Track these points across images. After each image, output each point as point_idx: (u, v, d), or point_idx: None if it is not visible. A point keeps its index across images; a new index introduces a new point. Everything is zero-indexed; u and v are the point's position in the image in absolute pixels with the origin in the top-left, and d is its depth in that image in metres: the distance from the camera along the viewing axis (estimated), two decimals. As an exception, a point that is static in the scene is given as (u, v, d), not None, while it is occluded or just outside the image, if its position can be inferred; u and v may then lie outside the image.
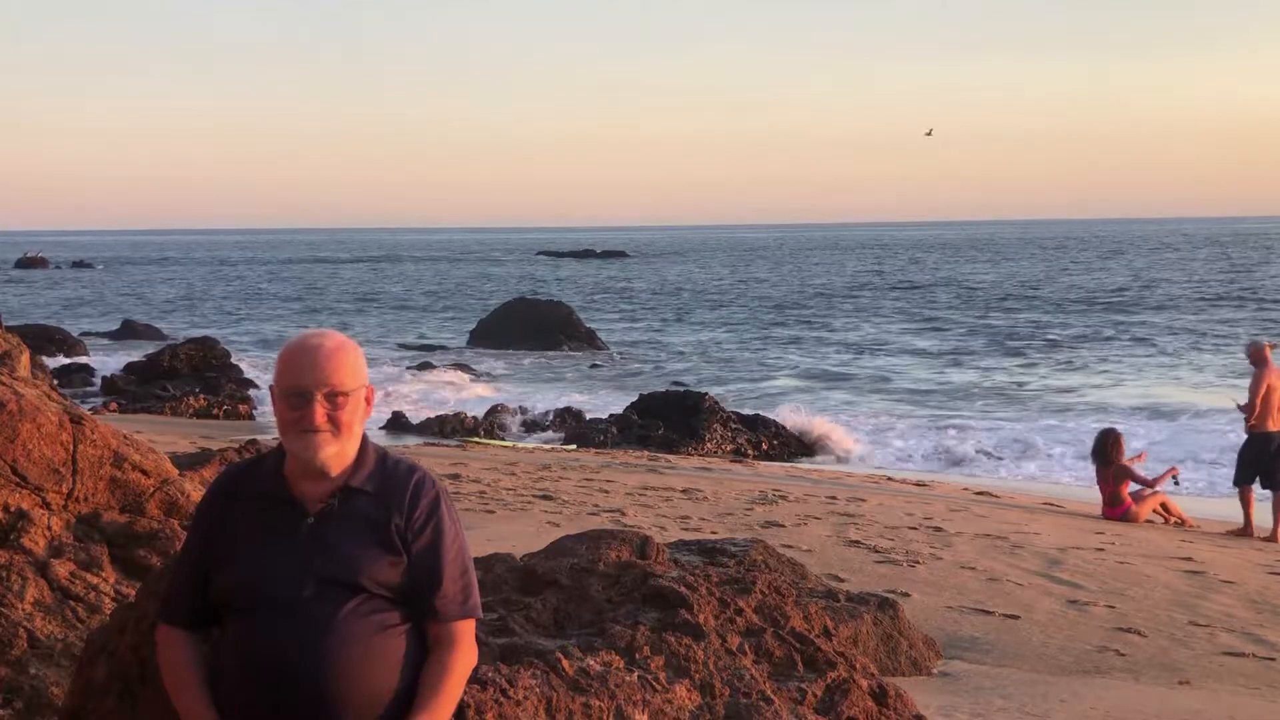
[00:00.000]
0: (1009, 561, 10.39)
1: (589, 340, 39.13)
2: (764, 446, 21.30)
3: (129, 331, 41.58)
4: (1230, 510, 14.78)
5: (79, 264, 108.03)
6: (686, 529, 10.82)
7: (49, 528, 5.09)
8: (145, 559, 5.10)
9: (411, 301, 64.25)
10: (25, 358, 8.43)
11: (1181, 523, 13.92)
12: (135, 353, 32.25)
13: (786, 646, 5.02)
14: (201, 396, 24.23)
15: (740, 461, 19.30)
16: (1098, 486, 14.39)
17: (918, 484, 16.55)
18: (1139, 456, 14.82)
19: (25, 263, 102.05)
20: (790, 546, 9.91)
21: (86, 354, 33.28)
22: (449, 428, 21.91)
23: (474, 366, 32.37)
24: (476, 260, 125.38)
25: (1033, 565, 10.32)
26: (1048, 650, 7.98)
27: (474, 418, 22.60)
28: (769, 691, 4.72)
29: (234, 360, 29.12)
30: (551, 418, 22.93)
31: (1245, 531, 13.50)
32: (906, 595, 8.75)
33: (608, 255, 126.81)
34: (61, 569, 4.97)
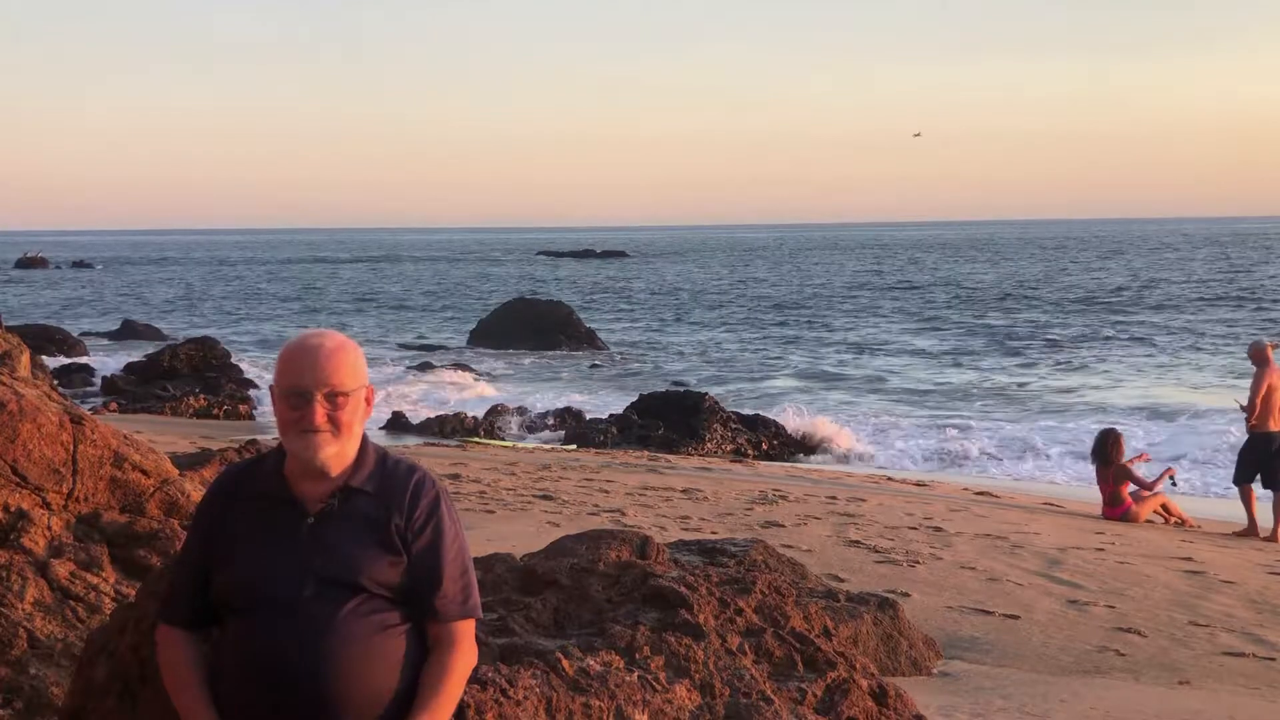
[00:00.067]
0: (1009, 561, 10.39)
1: (589, 340, 39.13)
2: (764, 446, 21.30)
3: (129, 331, 41.59)
4: (1229, 510, 14.78)
5: (79, 264, 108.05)
6: (686, 529, 10.82)
7: (49, 528, 5.09)
8: (145, 559, 5.09)
9: (411, 301, 64.27)
10: (25, 358, 8.43)
11: (1182, 523, 13.91)
12: (135, 353, 32.26)
13: (786, 646, 5.02)
14: (201, 396, 24.24)
15: (740, 461, 19.30)
16: (1098, 486, 14.38)
17: (918, 484, 16.55)
18: (1140, 457, 14.80)
19: (25, 263, 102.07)
20: (790, 546, 9.91)
21: (86, 354, 33.29)
22: (449, 428, 21.91)
23: (474, 366, 32.37)
24: (476, 260, 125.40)
25: (1033, 565, 10.32)
26: (1048, 650, 7.98)
27: (474, 418, 22.60)
28: (769, 691, 4.72)
29: (234, 360, 29.12)
30: (551, 418, 22.93)
31: (1250, 531, 13.48)
32: (906, 595, 8.75)
33: (607, 255, 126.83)
34: (61, 569, 4.97)
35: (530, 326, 38.99)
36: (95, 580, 5.00)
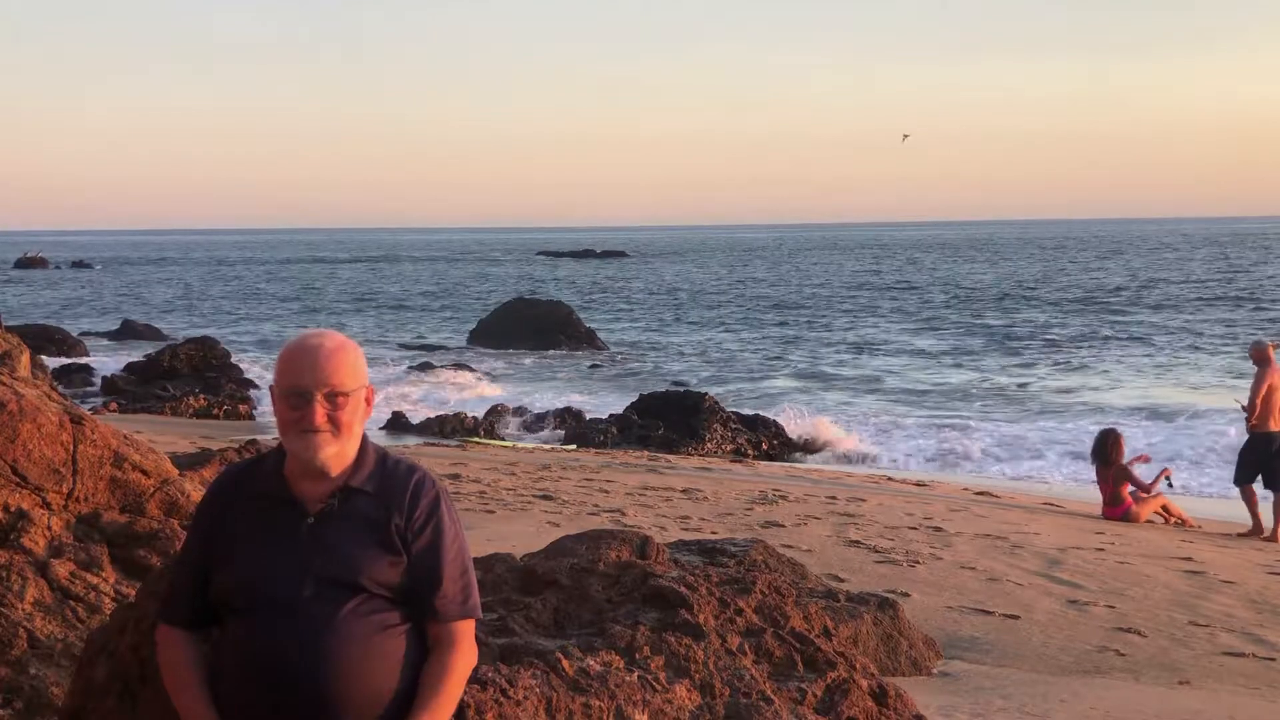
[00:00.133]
0: (1009, 561, 10.39)
1: (589, 340, 39.13)
2: (764, 446, 21.31)
3: (129, 331, 41.59)
4: (1229, 510, 14.77)
5: (78, 264, 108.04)
6: (686, 529, 10.82)
7: (49, 528, 5.09)
8: (145, 559, 5.09)
9: (411, 302, 64.27)
10: (25, 358, 8.43)
11: (1182, 523, 13.90)
12: (135, 353, 32.27)
13: (786, 646, 5.02)
14: (201, 396, 24.24)
15: (740, 461, 19.30)
16: (1098, 486, 14.38)
17: (918, 484, 16.55)
18: (1140, 458, 14.76)
19: (25, 263, 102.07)
20: (790, 546, 9.91)
21: (86, 354, 33.30)
22: (449, 428, 21.91)
23: (474, 366, 32.37)
24: (476, 260, 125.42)
25: (1033, 565, 10.31)
26: (1048, 650, 7.98)
27: (474, 418, 22.60)
28: (769, 691, 4.71)
29: (234, 360, 29.12)
30: (551, 418, 22.93)
31: (1255, 531, 13.44)
32: (906, 595, 8.75)
33: (607, 255, 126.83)
34: (61, 569, 4.97)
35: (530, 326, 38.99)
36: (95, 580, 4.99)
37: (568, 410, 23.44)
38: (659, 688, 4.50)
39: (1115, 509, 13.88)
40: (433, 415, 23.13)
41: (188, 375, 27.01)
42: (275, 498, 2.99)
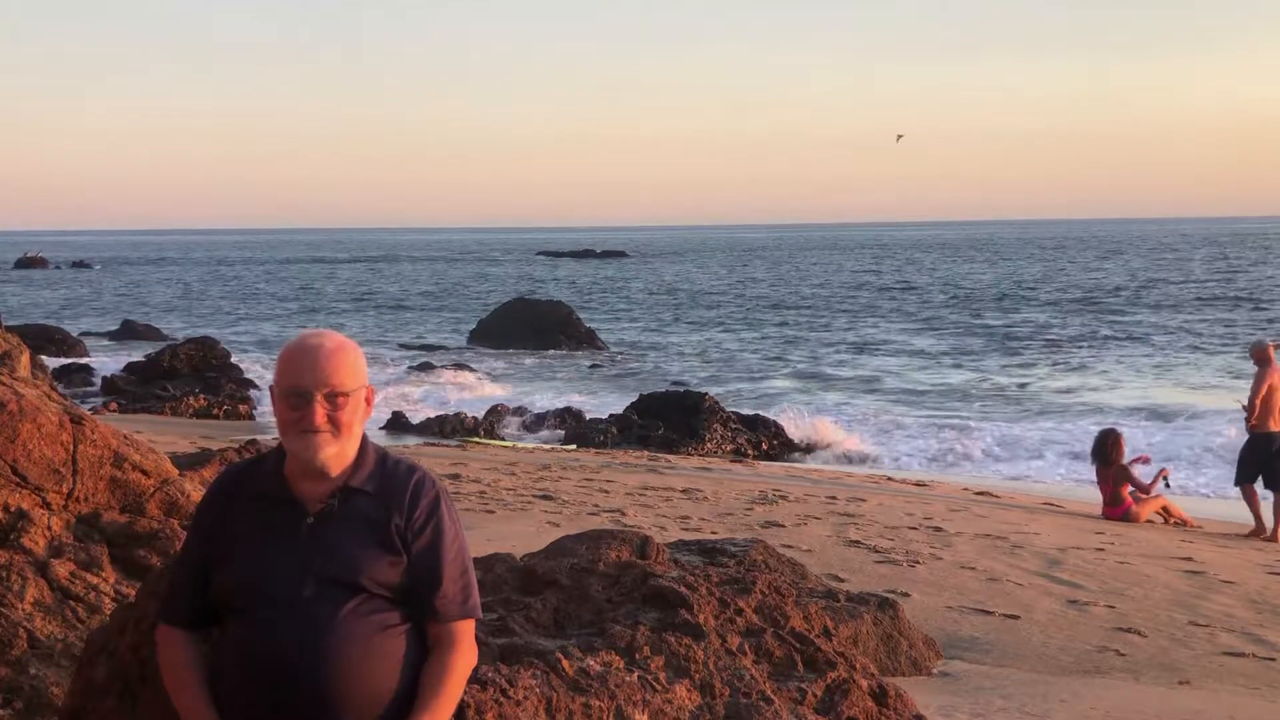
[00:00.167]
0: (1009, 561, 10.39)
1: (589, 340, 39.14)
2: (764, 446, 21.31)
3: (129, 331, 41.59)
4: (1228, 510, 14.77)
5: (78, 264, 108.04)
6: (686, 529, 10.82)
7: (49, 528, 5.09)
8: (145, 559, 5.09)
9: (410, 301, 64.27)
10: (25, 358, 8.43)
11: (1183, 523, 13.88)
12: (135, 353, 32.26)
13: (786, 646, 5.02)
14: (201, 396, 24.24)
15: (740, 461, 19.30)
16: (1098, 486, 14.37)
17: (918, 484, 16.54)
18: (1140, 459, 14.72)
19: (25, 263, 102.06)
20: (790, 546, 9.91)
21: (86, 354, 33.29)
22: (449, 428, 21.90)
23: (474, 366, 32.38)
24: (475, 260, 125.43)
25: (1033, 565, 10.31)
26: (1048, 650, 7.98)
27: (474, 418, 22.60)
28: (769, 691, 4.71)
29: (234, 360, 29.12)
30: (551, 418, 22.93)
31: (1257, 532, 13.40)
32: (906, 595, 8.75)
33: (607, 255, 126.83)
34: (61, 569, 4.97)
35: (530, 326, 39.00)
36: (95, 580, 4.99)
37: (568, 410, 23.44)
38: (659, 688, 4.50)
39: (1115, 509, 13.88)
40: (433, 415, 23.13)
41: (188, 375, 27.00)
42: (275, 498, 2.99)
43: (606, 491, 13.11)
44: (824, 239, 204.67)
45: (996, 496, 15.34)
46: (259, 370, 28.74)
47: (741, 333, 44.90)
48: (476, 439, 20.54)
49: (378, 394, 3.86)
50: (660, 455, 18.53)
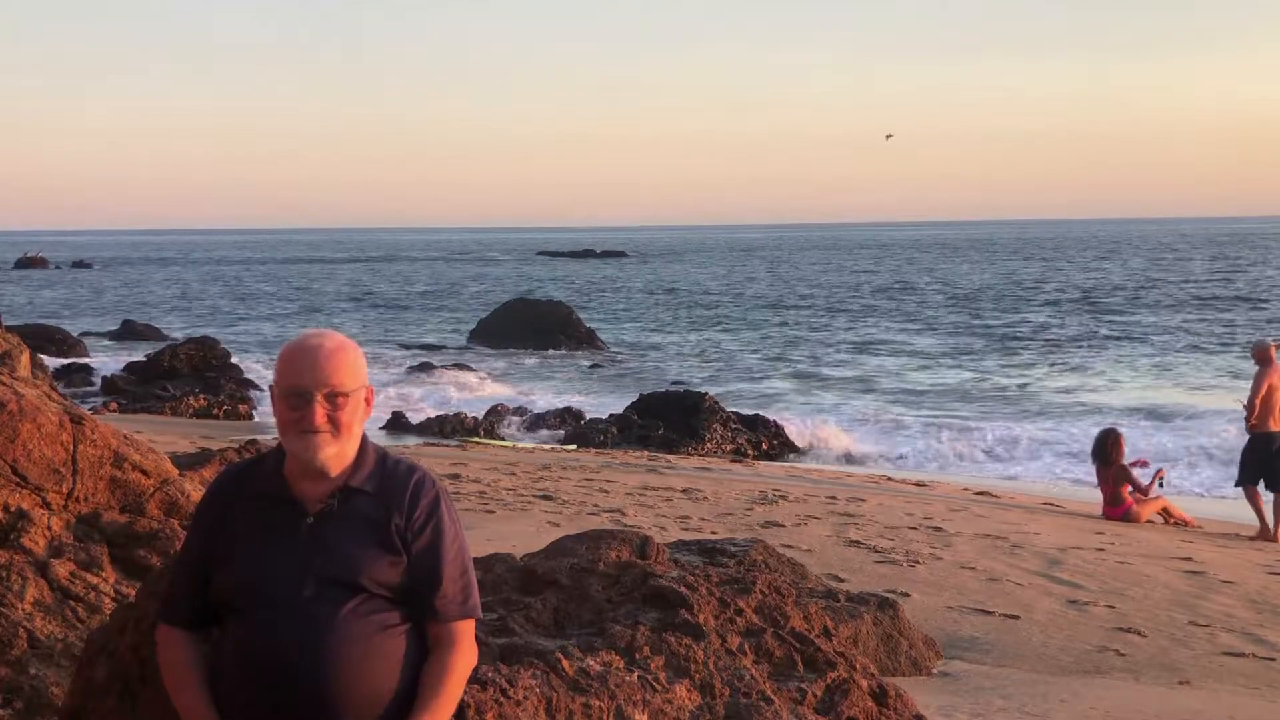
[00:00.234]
0: (1009, 561, 10.39)
1: (589, 340, 39.14)
2: (764, 446, 21.30)
3: (129, 331, 41.58)
4: (1227, 510, 14.75)
5: (78, 264, 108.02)
6: (686, 529, 10.82)
7: (49, 528, 5.09)
8: (145, 559, 5.09)
9: (410, 301, 64.28)
10: (25, 358, 8.43)
11: (1184, 524, 13.87)
12: (135, 353, 32.27)
13: (786, 646, 5.02)
14: (201, 396, 24.24)
15: (740, 461, 19.30)
16: (1098, 486, 14.37)
17: (918, 484, 16.55)
18: (1140, 462, 14.67)
19: (25, 263, 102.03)
20: (790, 546, 9.91)
21: (86, 354, 33.29)
22: (449, 428, 21.90)
23: (474, 366, 32.38)
24: (475, 260, 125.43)
25: (1033, 565, 10.31)
26: (1048, 650, 7.98)
27: (474, 418, 22.60)
28: (769, 691, 4.71)
29: (234, 360, 29.12)
30: (551, 418, 22.93)
31: (1263, 534, 13.34)
32: (906, 595, 8.75)
33: (607, 255, 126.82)
34: (61, 569, 4.97)
35: (530, 326, 39.01)
36: (95, 580, 4.99)
37: (568, 410, 23.44)
38: (659, 688, 4.50)
39: (1116, 509, 13.87)
40: (433, 415, 23.13)
41: (188, 375, 27.00)
42: (275, 498, 2.99)
43: (606, 491, 13.11)
44: (823, 239, 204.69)
45: (996, 496, 15.34)
46: (259, 370, 28.74)
47: (741, 333, 44.90)
48: (476, 439, 20.54)
49: (378, 394, 3.86)
50: (660, 455, 18.54)
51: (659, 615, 4.96)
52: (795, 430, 22.22)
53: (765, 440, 21.54)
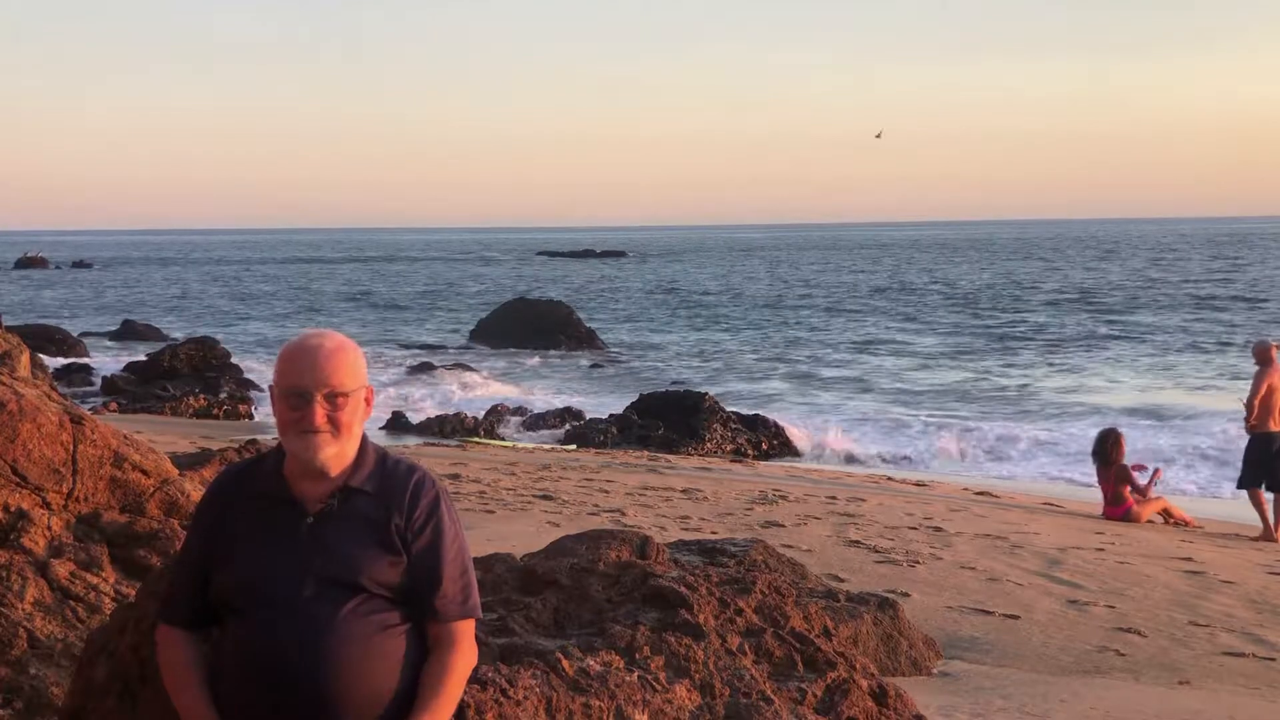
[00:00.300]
0: (1009, 561, 10.39)
1: (589, 340, 39.14)
2: (764, 446, 21.30)
3: (129, 331, 41.58)
4: (1226, 510, 14.74)
5: (78, 264, 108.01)
6: (686, 529, 10.82)
7: (49, 528, 5.09)
8: (145, 559, 5.09)
9: (410, 301, 64.27)
10: (25, 358, 8.43)
11: (1184, 524, 13.85)
12: (135, 353, 32.27)
13: (786, 646, 5.02)
14: (201, 396, 24.24)
15: (740, 461, 19.30)
16: (1099, 486, 14.36)
17: (918, 484, 16.55)
18: (1138, 466, 14.60)
19: (25, 263, 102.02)
20: (790, 546, 9.91)
21: (86, 354, 33.29)
22: (449, 428, 21.91)
23: (474, 366, 32.38)
24: (475, 260, 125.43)
25: (1033, 565, 10.31)
26: (1048, 650, 7.98)
27: (474, 418, 22.60)
28: (769, 691, 4.71)
29: (234, 360, 29.12)
30: (551, 418, 22.93)
31: (1267, 536, 13.30)
32: (906, 595, 8.75)
33: (607, 255, 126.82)
34: (61, 569, 4.97)
35: (530, 326, 39.00)
36: (95, 580, 4.99)
37: (568, 410, 23.44)
38: (659, 688, 4.50)
39: (1116, 509, 13.87)
40: (433, 415, 23.13)
41: (188, 375, 27.01)
42: (275, 498, 2.99)
43: (606, 491, 13.11)
44: (823, 239, 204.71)
45: (996, 496, 15.34)
46: (259, 370, 28.74)
47: (741, 332, 44.90)
48: (476, 439, 20.54)
49: (378, 394, 3.86)
50: (660, 455, 18.54)
51: (659, 615, 4.96)
52: (795, 431, 22.20)
53: (765, 440, 21.54)
